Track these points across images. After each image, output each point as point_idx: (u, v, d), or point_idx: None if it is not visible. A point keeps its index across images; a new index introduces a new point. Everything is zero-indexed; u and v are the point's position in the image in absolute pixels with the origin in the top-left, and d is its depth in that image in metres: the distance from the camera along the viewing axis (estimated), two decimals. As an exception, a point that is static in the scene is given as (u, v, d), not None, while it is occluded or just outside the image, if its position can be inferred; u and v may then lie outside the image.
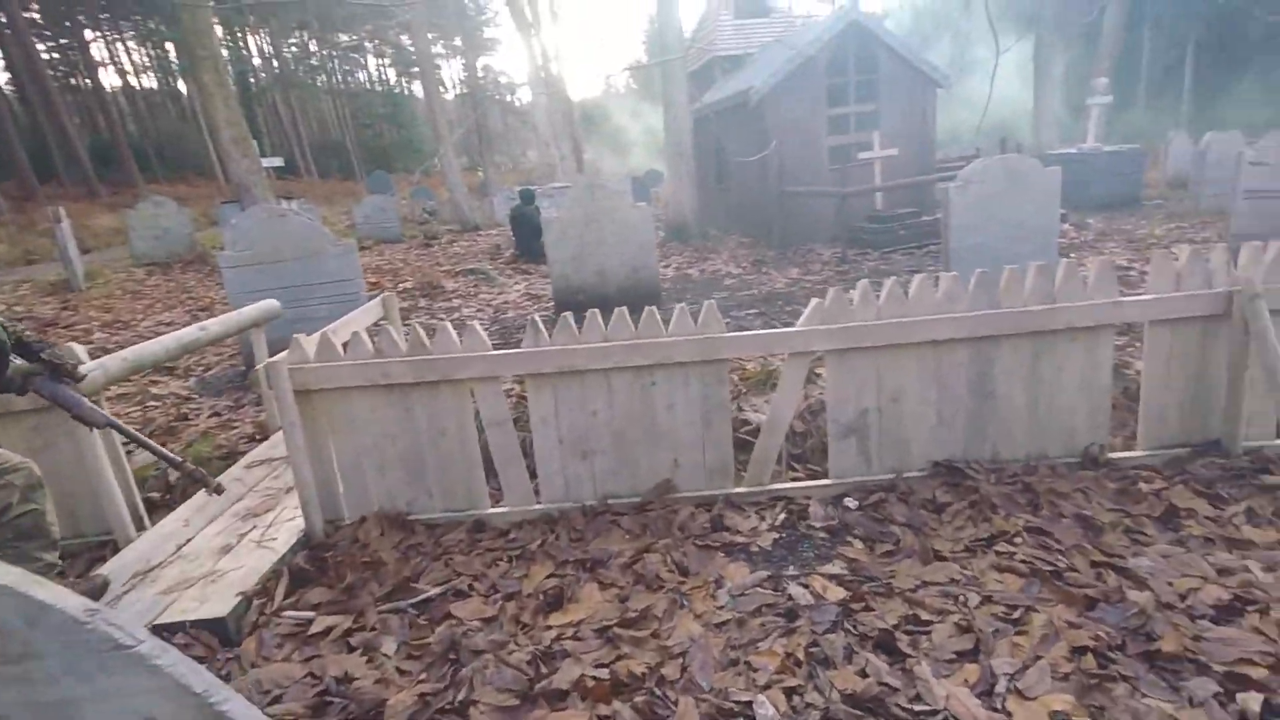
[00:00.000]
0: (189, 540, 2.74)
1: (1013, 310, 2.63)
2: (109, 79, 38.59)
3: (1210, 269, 2.65)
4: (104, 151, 29.05)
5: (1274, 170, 6.06)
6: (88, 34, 33.94)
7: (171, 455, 2.39)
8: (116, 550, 2.78)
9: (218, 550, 2.64)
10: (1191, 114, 25.17)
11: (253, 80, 40.79)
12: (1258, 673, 1.60)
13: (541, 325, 2.62)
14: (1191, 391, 2.73)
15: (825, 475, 2.83)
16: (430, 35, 37.01)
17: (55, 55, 32.82)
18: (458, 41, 46.28)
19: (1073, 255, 7.29)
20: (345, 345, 2.60)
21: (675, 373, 2.66)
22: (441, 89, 42.75)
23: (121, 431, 2.38)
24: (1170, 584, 1.95)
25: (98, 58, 37.89)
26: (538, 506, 2.73)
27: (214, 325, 3.16)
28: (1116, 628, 1.82)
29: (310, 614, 2.23)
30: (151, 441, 2.40)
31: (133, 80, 40.00)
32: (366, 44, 46.84)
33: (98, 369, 2.72)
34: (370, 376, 2.57)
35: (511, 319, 6.77)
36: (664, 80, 10.89)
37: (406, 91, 49.52)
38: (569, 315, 2.60)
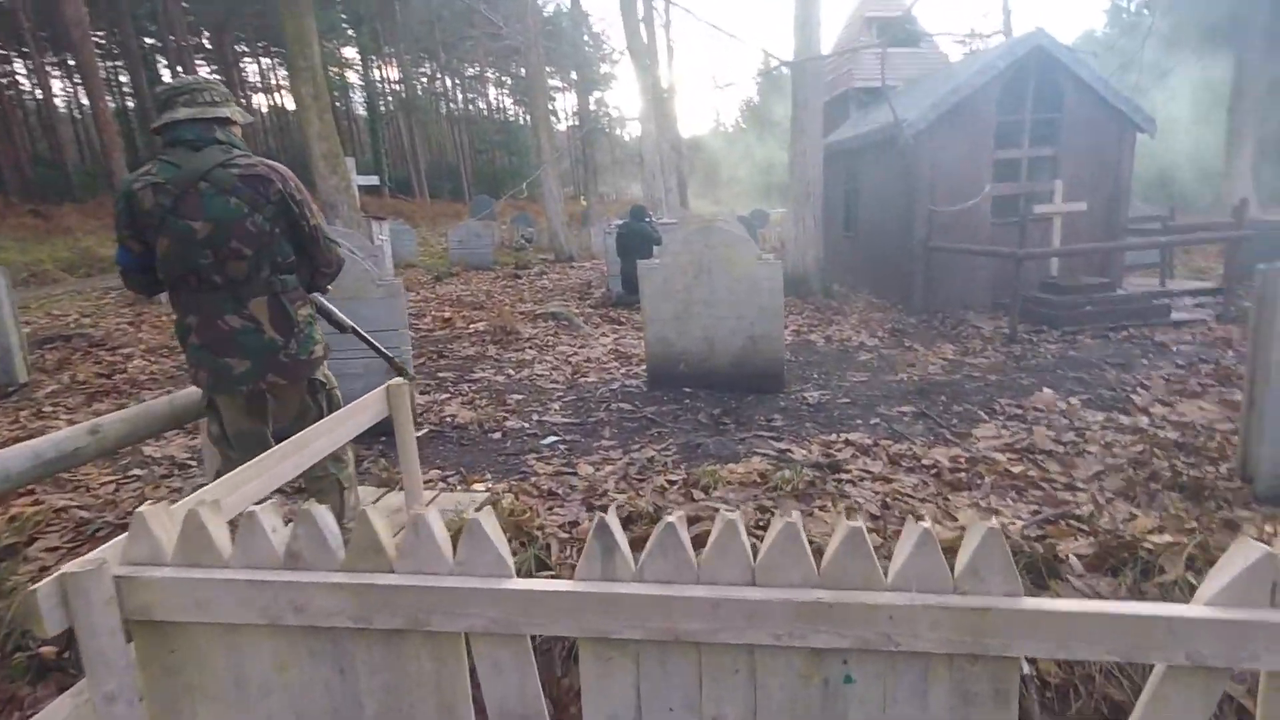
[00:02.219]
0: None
1: None
2: (263, 100, 41.48)
3: None
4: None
5: None
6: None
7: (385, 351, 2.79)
8: None
9: None
10: None
11: (382, 106, 42.77)
12: None
13: (617, 532, 1.20)
14: None
15: None
16: (548, 69, 37.49)
17: (219, 78, 35.67)
18: (574, 75, 47.04)
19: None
20: (235, 530, 1.30)
21: (901, 666, 1.17)
22: (555, 119, 43.41)
23: (358, 334, 2.70)
24: None
25: (253, 80, 41.14)
26: None
27: (111, 426, 1.96)
28: None
29: None
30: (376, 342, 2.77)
31: (277, 99, 42.82)
32: (488, 73, 48.44)
33: None
34: (271, 608, 1.25)
35: (593, 386, 5.44)
36: (795, 106, 9.22)
37: (522, 121, 50.55)
38: (676, 523, 1.18)
